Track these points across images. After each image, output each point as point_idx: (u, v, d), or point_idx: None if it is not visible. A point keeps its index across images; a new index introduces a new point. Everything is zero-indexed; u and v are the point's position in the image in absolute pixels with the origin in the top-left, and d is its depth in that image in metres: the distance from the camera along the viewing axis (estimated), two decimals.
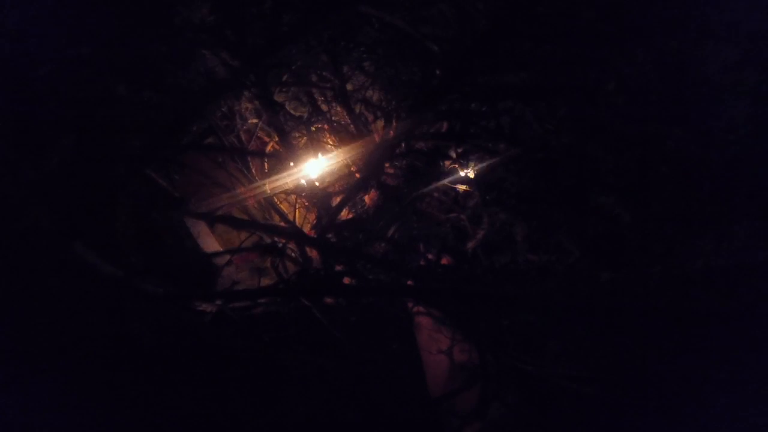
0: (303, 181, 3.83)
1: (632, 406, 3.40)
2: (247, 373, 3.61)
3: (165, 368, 3.41)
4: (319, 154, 3.91)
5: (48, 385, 3.09)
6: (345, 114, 3.89)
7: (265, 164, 3.99)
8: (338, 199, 3.84)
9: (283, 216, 3.63)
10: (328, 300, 3.47)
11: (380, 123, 3.79)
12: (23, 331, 2.83)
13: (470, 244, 3.47)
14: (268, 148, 4.04)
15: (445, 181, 3.59)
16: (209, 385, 3.53)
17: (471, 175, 3.48)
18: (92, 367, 3.28)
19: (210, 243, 3.67)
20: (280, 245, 3.40)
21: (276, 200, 3.82)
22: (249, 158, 3.86)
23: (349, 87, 3.95)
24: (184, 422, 3.42)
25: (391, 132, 3.36)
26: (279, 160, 3.89)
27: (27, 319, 2.79)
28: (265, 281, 3.98)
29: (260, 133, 4.04)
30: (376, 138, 3.62)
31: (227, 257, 3.77)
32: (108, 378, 3.35)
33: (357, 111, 3.82)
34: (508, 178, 3.52)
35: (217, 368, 3.54)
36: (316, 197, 3.82)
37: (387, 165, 3.61)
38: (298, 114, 3.83)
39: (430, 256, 3.59)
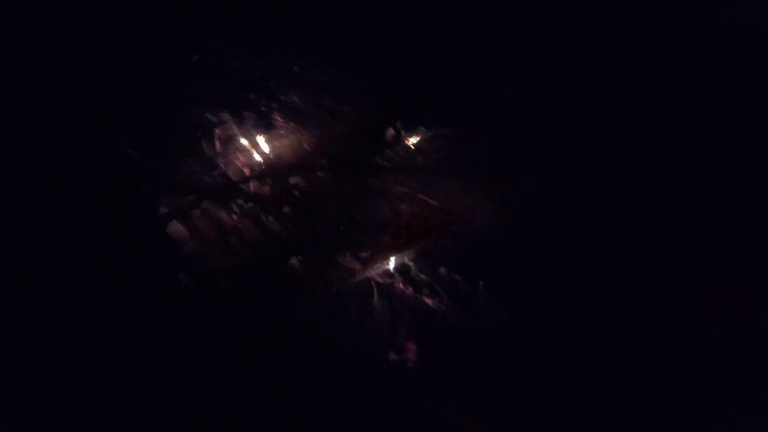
0: (257, 157, 4.03)
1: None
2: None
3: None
4: (271, 131, 4.12)
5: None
6: (294, 94, 4.15)
7: (216, 143, 4.10)
8: (292, 175, 4.09)
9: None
10: (296, 266, 3.75)
11: (332, 100, 4.08)
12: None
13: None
14: (220, 129, 4.15)
15: (392, 150, 4.00)
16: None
17: (413, 143, 3.94)
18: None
19: (178, 230, 3.76)
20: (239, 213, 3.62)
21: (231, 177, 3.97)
22: (200, 137, 3.96)
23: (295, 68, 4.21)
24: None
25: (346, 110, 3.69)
26: (231, 138, 4.04)
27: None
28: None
29: (209, 113, 4.13)
30: (329, 115, 3.93)
31: (192, 238, 3.87)
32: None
33: (307, 90, 4.09)
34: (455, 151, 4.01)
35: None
36: (271, 173, 4.03)
37: (339, 138, 3.95)
38: (251, 97, 4.00)
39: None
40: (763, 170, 3.57)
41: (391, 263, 3.92)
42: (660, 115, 3.80)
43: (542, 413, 3.43)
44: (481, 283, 3.83)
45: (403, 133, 4.10)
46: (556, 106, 3.93)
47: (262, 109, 4.22)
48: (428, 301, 3.88)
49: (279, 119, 4.31)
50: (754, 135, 3.64)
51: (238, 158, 4.03)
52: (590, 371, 3.47)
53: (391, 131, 4.13)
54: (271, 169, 3.93)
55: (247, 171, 3.96)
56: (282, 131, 4.13)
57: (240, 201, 3.79)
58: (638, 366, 3.42)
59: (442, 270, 3.88)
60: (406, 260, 3.90)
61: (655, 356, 3.44)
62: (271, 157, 4.06)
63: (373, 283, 4.02)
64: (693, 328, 3.48)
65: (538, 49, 3.97)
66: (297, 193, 3.90)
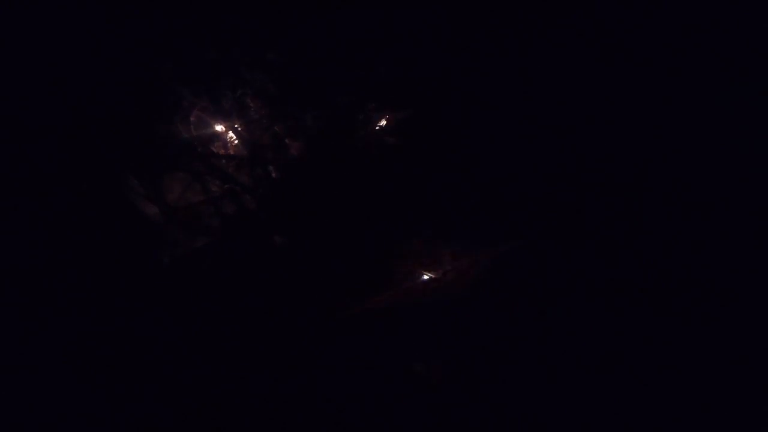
0: (233, 140, 4.16)
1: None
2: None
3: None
4: (245, 116, 4.24)
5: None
6: (268, 80, 4.27)
7: (192, 127, 4.19)
8: (268, 157, 4.24)
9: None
10: (277, 245, 3.91)
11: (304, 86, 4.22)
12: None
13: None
14: (194, 113, 4.24)
15: (365, 132, 4.19)
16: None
17: (383, 124, 4.16)
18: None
19: (145, 204, 3.85)
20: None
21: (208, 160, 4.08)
22: (176, 121, 4.05)
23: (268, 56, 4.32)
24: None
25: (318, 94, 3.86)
26: (206, 123, 4.14)
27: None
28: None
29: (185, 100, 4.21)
30: (302, 99, 4.08)
31: (171, 220, 3.97)
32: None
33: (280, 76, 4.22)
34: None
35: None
36: (247, 155, 4.16)
37: (312, 121, 4.12)
38: (225, 83, 4.09)
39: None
40: (763, 170, 3.60)
41: (371, 243, 4.10)
42: (659, 116, 3.86)
43: (542, 415, 3.52)
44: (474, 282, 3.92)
45: (374, 116, 4.29)
46: (554, 106, 3.99)
47: (237, 94, 4.32)
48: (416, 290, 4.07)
49: (252, 104, 4.42)
50: (754, 135, 3.67)
51: (214, 142, 4.14)
52: (589, 372, 3.56)
53: (362, 115, 4.31)
54: (247, 152, 4.06)
55: (222, 153, 4.08)
56: (256, 116, 4.25)
57: (218, 182, 3.92)
58: (639, 367, 3.53)
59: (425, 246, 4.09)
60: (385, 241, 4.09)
61: (655, 356, 3.54)
62: (247, 140, 4.18)
63: (354, 262, 4.19)
64: (692, 329, 3.57)
65: (536, 48, 4.03)
66: (273, 174, 4.06)
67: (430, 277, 4.03)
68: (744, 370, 3.42)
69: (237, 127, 4.15)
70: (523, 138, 4.09)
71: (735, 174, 3.68)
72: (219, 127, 4.17)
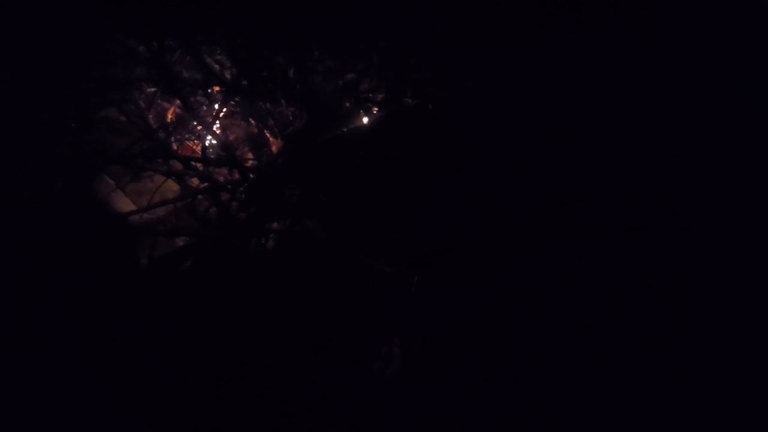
0: (210, 138, 4.06)
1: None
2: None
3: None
4: (221, 113, 4.15)
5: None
6: (242, 76, 4.18)
7: (168, 125, 4.10)
8: (247, 154, 4.14)
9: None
10: (259, 244, 3.79)
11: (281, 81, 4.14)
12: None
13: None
14: (170, 112, 4.15)
15: (345, 129, 4.09)
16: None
17: (365, 121, 4.06)
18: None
19: (122, 204, 3.73)
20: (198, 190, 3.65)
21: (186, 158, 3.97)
22: (151, 120, 3.96)
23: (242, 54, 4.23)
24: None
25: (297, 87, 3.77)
26: (182, 120, 4.05)
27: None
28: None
29: (159, 100, 4.12)
30: (280, 95, 3.99)
31: (141, 218, 3.85)
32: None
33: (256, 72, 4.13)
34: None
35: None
36: (225, 154, 4.05)
37: (291, 116, 4.02)
38: (199, 80, 4.01)
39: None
40: (763, 171, 3.56)
41: (357, 239, 3.97)
42: (658, 117, 3.79)
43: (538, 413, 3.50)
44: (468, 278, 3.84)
45: (357, 109, 4.20)
46: (553, 108, 3.91)
47: (212, 91, 4.24)
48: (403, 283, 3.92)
49: (230, 101, 4.34)
50: (754, 136, 3.60)
51: (191, 140, 4.04)
52: (586, 371, 3.54)
53: (346, 106, 4.22)
54: (226, 150, 3.95)
55: (200, 151, 3.98)
56: (234, 112, 4.17)
57: (196, 181, 3.81)
58: (637, 367, 3.49)
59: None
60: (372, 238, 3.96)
61: (653, 356, 3.52)
62: (224, 138, 4.09)
63: (339, 258, 4.06)
64: (690, 329, 3.54)
65: (535, 48, 3.93)
66: (253, 172, 3.95)
67: (417, 275, 3.92)
68: (743, 369, 3.39)
69: (214, 125, 4.06)
70: (518, 135, 3.99)
71: (735, 174, 3.62)
72: (196, 125, 4.08)
